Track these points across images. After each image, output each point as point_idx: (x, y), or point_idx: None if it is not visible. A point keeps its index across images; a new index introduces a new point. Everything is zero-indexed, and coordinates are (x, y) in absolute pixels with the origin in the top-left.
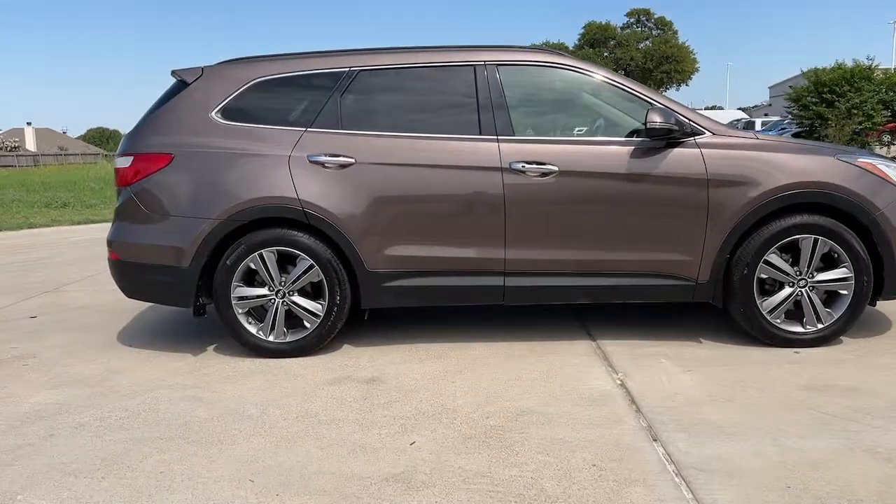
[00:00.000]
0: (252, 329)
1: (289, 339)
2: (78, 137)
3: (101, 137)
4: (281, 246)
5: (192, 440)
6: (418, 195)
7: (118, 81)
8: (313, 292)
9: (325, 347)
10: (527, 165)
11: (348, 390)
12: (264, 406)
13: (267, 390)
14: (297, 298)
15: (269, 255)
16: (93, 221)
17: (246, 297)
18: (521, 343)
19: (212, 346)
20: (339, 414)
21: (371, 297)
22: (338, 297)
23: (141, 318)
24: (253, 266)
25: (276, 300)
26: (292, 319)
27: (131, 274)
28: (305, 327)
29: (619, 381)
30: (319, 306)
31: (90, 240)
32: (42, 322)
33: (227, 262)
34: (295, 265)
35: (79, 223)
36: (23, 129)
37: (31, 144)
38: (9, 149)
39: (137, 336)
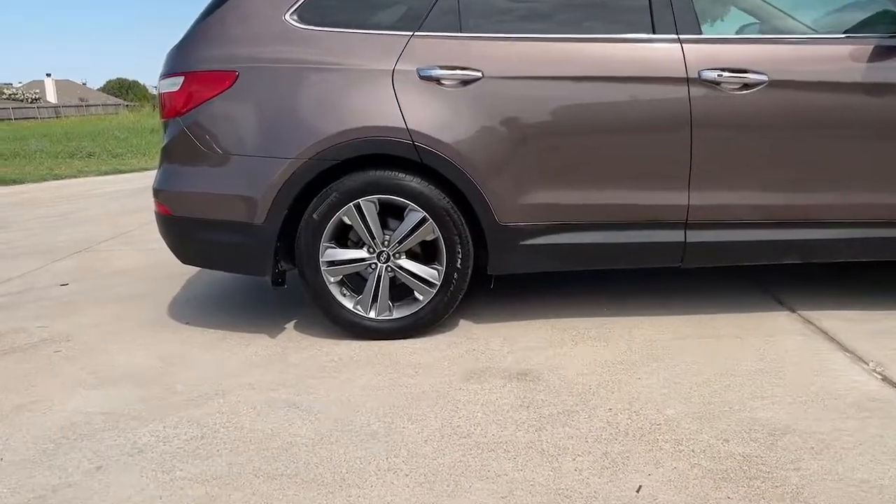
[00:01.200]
0: (347, 303)
1: (395, 315)
2: (98, 89)
3: (120, 88)
4: (384, 193)
5: (305, 478)
6: (569, 119)
7: (137, 32)
8: (424, 254)
9: (438, 326)
10: (724, 74)
11: (497, 391)
12: (389, 417)
13: (383, 391)
14: (404, 262)
15: (367, 205)
16: (121, 171)
17: (339, 261)
18: (699, 317)
19: (290, 323)
20: (501, 432)
21: (502, 259)
22: (459, 260)
23: (193, 284)
24: (347, 221)
25: (379, 265)
26: (397, 289)
27: (187, 233)
28: (416, 300)
29: (879, 375)
30: (434, 272)
31: (120, 191)
32: (74, 291)
33: (314, 217)
34: (402, 219)
35: (106, 173)
36: (43, 80)
37: (51, 96)
38: (30, 101)
39: (192, 310)
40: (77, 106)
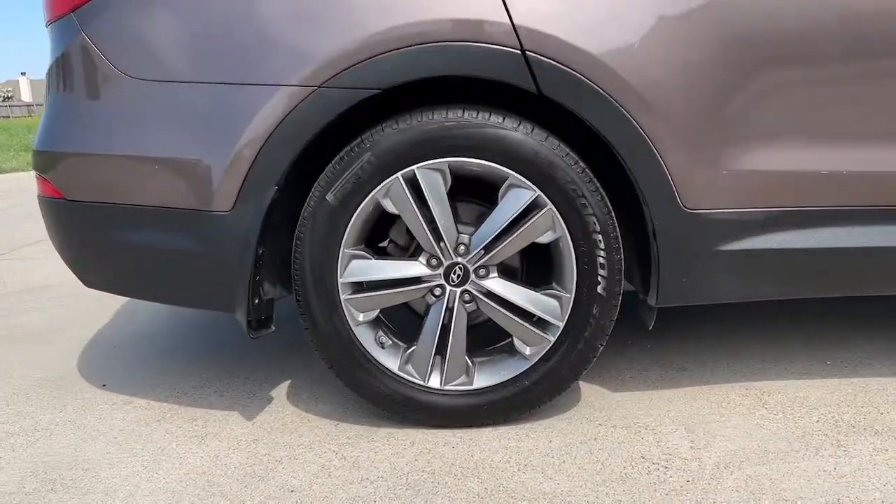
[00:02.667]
0: (388, 361)
1: (477, 383)
2: None
3: None
4: (460, 154)
5: None
6: (833, 15)
7: None
8: (527, 269)
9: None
10: None
11: None
12: None
13: None
14: (495, 284)
15: (429, 177)
16: None
17: (374, 283)
18: None
19: (280, 389)
20: None
21: (686, 277)
22: (602, 280)
23: (128, 313)
24: (390, 207)
25: (448, 289)
26: (478, 334)
27: (93, 234)
28: (517, 354)
29: None
30: (553, 303)
31: None
32: None
33: (328, 199)
34: (495, 203)
35: None
36: (17, 80)
37: (26, 95)
38: (2, 99)
39: (118, 359)
40: None
